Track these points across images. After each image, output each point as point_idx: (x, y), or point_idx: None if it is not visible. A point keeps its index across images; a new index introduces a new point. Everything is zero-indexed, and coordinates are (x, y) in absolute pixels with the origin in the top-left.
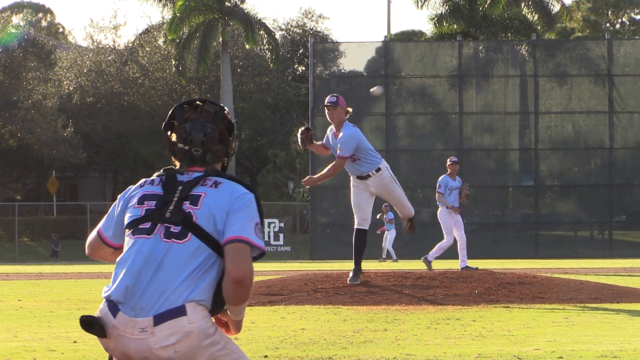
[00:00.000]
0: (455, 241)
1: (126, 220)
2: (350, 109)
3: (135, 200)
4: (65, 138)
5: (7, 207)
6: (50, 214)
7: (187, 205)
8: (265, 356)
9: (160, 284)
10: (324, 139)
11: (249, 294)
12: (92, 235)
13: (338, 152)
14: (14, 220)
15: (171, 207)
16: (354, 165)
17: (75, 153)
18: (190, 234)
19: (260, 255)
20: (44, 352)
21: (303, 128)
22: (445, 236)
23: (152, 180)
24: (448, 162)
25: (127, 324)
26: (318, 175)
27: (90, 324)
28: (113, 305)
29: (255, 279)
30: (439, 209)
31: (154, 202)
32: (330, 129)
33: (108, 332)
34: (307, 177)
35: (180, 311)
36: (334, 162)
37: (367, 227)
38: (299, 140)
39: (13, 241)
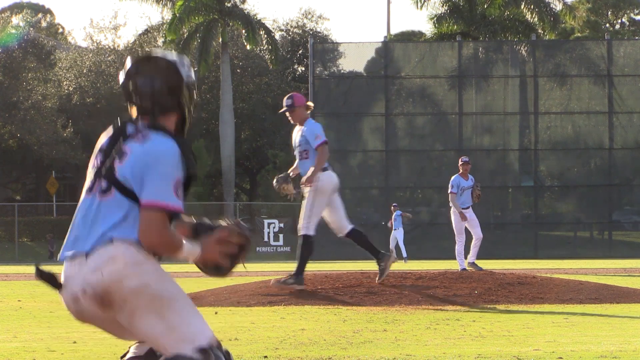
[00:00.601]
0: (467, 239)
1: None
2: (310, 104)
3: (94, 153)
4: (65, 138)
5: (7, 208)
6: (50, 214)
7: (116, 161)
8: (265, 356)
9: (92, 234)
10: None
11: (175, 249)
12: None
13: (316, 141)
14: (13, 221)
15: (108, 164)
16: (303, 162)
17: (75, 153)
18: (113, 188)
19: (178, 214)
20: (44, 352)
21: (279, 183)
22: (456, 238)
23: (110, 130)
24: (460, 162)
25: (69, 267)
26: (311, 171)
27: (40, 272)
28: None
29: (256, 279)
30: (451, 210)
31: (100, 157)
32: (295, 130)
33: (63, 285)
34: (303, 179)
35: (108, 241)
36: (318, 154)
37: (309, 233)
38: (284, 188)
39: (13, 241)
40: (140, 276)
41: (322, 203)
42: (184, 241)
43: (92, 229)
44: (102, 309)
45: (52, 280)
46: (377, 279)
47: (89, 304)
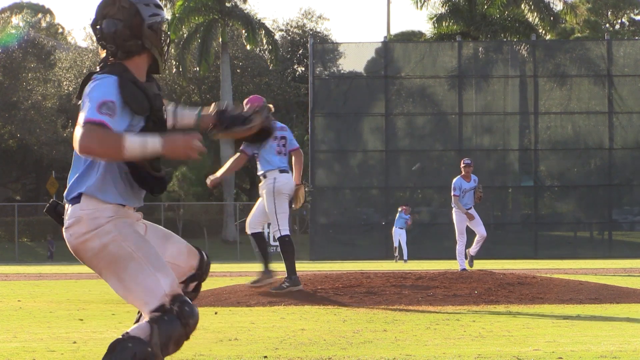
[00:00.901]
0: (468, 239)
1: None
2: (269, 105)
3: None
4: (64, 138)
5: (7, 208)
6: None
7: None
8: (265, 357)
9: (70, 184)
10: None
11: (112, 148)
12: None
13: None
14: (13, 221)
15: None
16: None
17: (75, 153)
18: None
19: (103, 127)
20: (44, 352)
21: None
22: (457, 238)
23: None
24: (462, 164)
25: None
26: (221, 171)
27: (49, 207)
28: None
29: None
30: (453, 210)
31: None
32: None
33: None
34: (210, 178)
35: (77, 197)
36: (236, 155)
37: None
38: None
39: (13, 242)
40: (100, 238)
41: (283, 202)
42: (130, 137)
43: (70, 178)
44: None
45: (58, 219)
46: (250, 281)
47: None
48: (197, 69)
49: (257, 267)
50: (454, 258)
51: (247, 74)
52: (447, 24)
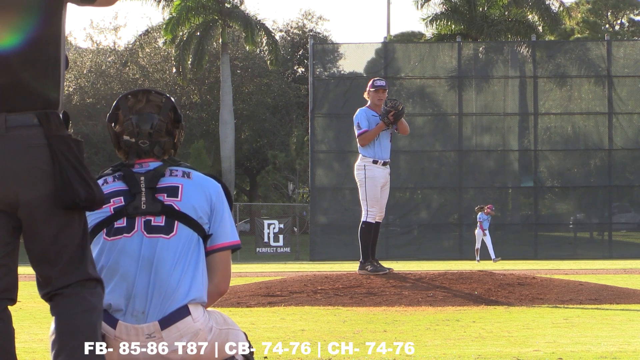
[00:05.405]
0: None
1: (91, 223)
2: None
3: None
4: None
5: None
6: None
7: (164, 197)
8: (265, 357)
9: (157, 285)
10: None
11: None
12: None
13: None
14: None
15: (143, 198)
16: None
17: None
18: (175, 226)
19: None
20: (44, 353)
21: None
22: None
23: (105, 179)
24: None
25: (130, 332)
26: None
27: None
28: (109, 316)
29: (256, 279)
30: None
31: (121, 197)
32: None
33: (109, 344)
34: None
35: (184, 311)
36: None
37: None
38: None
39: None
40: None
41: None
42: None
43: (151, 277)
44: None
45: None
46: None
47: None
48: (195, 69)
49: (256, 267)
50: (455, 258)
51: (247, 75)
52: (445, 23)
